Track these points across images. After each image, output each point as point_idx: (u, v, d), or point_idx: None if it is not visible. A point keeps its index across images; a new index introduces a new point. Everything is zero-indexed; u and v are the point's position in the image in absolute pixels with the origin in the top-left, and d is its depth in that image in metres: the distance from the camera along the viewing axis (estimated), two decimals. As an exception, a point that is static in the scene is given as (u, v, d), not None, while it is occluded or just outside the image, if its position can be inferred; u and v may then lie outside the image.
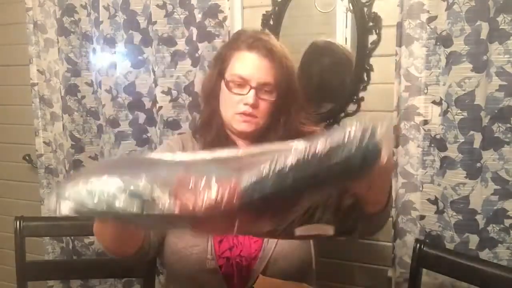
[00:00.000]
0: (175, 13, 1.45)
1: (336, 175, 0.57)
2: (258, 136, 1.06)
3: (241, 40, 1.05)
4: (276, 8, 1.44)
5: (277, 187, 0.55)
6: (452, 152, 1.21)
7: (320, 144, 0.55)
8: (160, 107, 1.49)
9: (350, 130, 0.56)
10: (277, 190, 0.55)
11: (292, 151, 0.56)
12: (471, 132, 1.18)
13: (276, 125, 1.07)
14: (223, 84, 1.04)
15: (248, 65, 1.02)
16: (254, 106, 1.01)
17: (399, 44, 1.26)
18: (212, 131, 1.08)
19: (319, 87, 1.46)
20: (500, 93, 1.17)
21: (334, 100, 1.44)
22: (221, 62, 1.07)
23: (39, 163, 1.78)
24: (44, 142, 1.76)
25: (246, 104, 1.01)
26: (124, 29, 1.51)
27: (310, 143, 0.56)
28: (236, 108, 1.02)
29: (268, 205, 0.57)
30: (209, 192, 0.55)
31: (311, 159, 0.55)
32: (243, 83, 1.01)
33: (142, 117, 1.57)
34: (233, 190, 0.55)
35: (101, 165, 0.69)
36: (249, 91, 1.01)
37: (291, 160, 0.55)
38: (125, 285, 1.71)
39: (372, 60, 1.37)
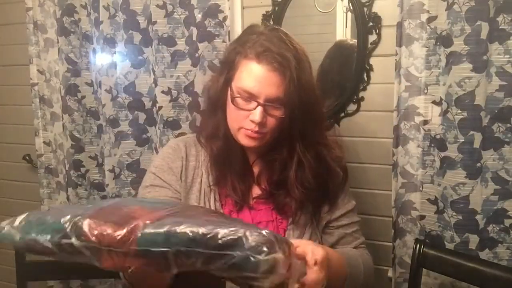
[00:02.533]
0: (175, 13, 1.45)
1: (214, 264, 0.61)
2: (267, 149, 1.01)
3: (248, 46, 0.94)
4: (276, 8, 1.44)
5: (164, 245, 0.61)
6: (452, 152, 1.21)
7: (221, 233, 0.60)
8: (160, 107, 1.49)
9: (249, 235, 0.60)
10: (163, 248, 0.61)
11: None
12: (471, 132, 1.18)
13: (292, 145, 0.99)
14: (229, 94, 0.96)
15: (256, 79, 0.91)
16: (261, 124, 0.93)
17: (399, 44, 1.26)
18: (218, 142, 1.01)
19: (333, 87, 1.46)
20: (500, 93, 1.17)
21: (334, 100, 1.44)
22: (228, 68, 0.98)
23: (39, 163, 1.78)
24: (44, 142, 1.76)
25: (252, 121, 0.93)
26: (124, 29, 1.51)
27: (213, 228, 0.61)
28: (242, 123, 0.95)
29: (156, 258, 0.62)
30: (111, 228, 0.63)
31: (202, 239, 0.60)
32: (249, 98, 0.92)
33: (142, 117, 1.57)
34: (129, 233, 0.62)
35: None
36: (256, 107, 0.92)
37: (187, 229, 0.61)
38: (125, 285, 1.71)
39: (372, 60, 1.37)
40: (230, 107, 0.97)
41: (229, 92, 0.96)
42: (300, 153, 0.99)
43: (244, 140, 0.97)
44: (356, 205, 1.12)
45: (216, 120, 1.02)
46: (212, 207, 1.01)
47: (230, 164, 1.01)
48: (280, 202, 1.02)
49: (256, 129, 0.93)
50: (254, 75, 0.92)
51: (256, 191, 1.04)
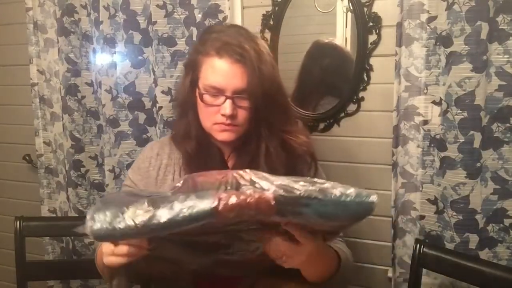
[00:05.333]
0: (175, 13, 1.46)
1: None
2: (241, 142, 1.03)
3: (208, 44, 0.96)
4: (276, 8, 1.44)
5: None
6: (452, 152, 1.22)
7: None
8: (160, 107, 1.50)
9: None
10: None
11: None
12: (471, 132, 1.19)
13: (259, 133, 1.01)
14: (198, 94, 0.98)
15: (220, 73, 0.94)
16: (232, 116, 0.95)
17: (399, 44, 1.26)
18: (191, 142, 1.03)
19: (321, 87, 1.47)
20: (499, 93, 1.18)
21: (334, 100, 1.44)
22: (192, 69, 1.00)
23: (39, 163, 1.78)
24: (44, 142, 1.76)
25: (223, 115, 0.95)
26: (124, 29, 1.51)
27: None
28: (213, 119, 0.97)
29: None
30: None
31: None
32: (217, 93, 0.95)
33: (142, 117, 1.57)
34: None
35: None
36: (224, 101, 0.95)
37: None
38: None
39: (372, 60, 1.37)
40: (200, 106, 0.99)
41: (197, 92, 0.99)
42: (267, 141, 1.01)
43: (219, 135, 0.99)
44: None
45: (187, 121, 1.04)
46: None
47: (205, 164, 1.02)
48: None
49: (228, 121, 0.96)
50: (218, 70, 0.94)
51: None
